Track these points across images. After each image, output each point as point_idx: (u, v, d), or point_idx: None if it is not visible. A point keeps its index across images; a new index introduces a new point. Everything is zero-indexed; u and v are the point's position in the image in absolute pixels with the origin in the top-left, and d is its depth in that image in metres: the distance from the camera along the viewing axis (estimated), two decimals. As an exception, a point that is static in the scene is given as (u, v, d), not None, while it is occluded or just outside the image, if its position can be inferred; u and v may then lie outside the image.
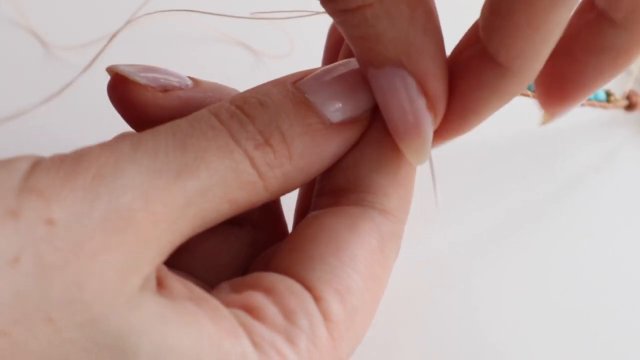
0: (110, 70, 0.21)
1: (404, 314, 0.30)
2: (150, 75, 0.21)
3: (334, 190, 0.22)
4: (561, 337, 0.30)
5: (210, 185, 0.19)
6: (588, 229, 0.34)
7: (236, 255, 0.24)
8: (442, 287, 0.31)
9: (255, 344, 0.19)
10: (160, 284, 0.19)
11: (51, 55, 0.37)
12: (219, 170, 0.19)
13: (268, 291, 0.20)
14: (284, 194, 0.22)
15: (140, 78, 0.21)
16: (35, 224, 0.16)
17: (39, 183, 0.17)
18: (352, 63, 0.22)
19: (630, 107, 0.35)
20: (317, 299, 0.20)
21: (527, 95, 0.30)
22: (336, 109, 0.22)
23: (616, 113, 0.37)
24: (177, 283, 0.19)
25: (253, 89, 0.21)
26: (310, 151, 0.21)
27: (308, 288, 0.20)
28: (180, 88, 0.22)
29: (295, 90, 0.21)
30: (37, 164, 0.17)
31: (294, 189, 0.22)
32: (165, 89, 0.22)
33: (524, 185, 0.35)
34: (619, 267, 0.32)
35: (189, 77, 0.23)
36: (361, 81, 0.22)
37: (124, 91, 0.21)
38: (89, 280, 0.17)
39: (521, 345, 0.30)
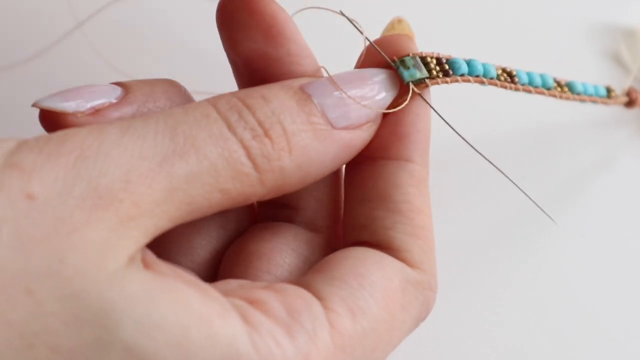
0: (36, 106, 0.21)
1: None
2: (76, 100, 0.21)
3: (360, 243, 0.23)
4: (560, 337, 0.30)
5: (199, 171, 0.19)
6: (587, 229, 0.33)
7: (208, 237, 0.24)
8: (439, 287, 0.30)
9: (251, 331, 0.18)
10: (147, 266, 0.18)
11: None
12: (209, 157, 0.19)
13: (275, 290, 0.20)
14: (279, 192, 0.21)
15: (67, 107, 0.21)
16: (16, 198, 0.17)
17: (22, 160, 0.17)
18: (361, 73, 0.23)
19: (630, 103, 0.34)
20: (326, 308, 0.20)
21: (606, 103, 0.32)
22: (340, 115, 0.22)
23: (616, 112, 0.37)
24: (165, 267, 0.19)
25: (258, 87, 0.21)
26: (310, 149, 0.21)
27: (319, 298, 0.20)
28: (110, 104, 0.22)
29: (302, 92, 0.21)
30: (23, 144, 0.18)
31: (290, 189, 0.22)
32: (95, 110, 0.21)
33: (524, 185, 0.34)
34: (619, 267, 0.32)
35: (116, 84, 0.22)
36: (369, 91, 0.22)
37: (56, 124, 0.21)
38: (70, 255, 0.17)
39: (520, 345, 0.29)
